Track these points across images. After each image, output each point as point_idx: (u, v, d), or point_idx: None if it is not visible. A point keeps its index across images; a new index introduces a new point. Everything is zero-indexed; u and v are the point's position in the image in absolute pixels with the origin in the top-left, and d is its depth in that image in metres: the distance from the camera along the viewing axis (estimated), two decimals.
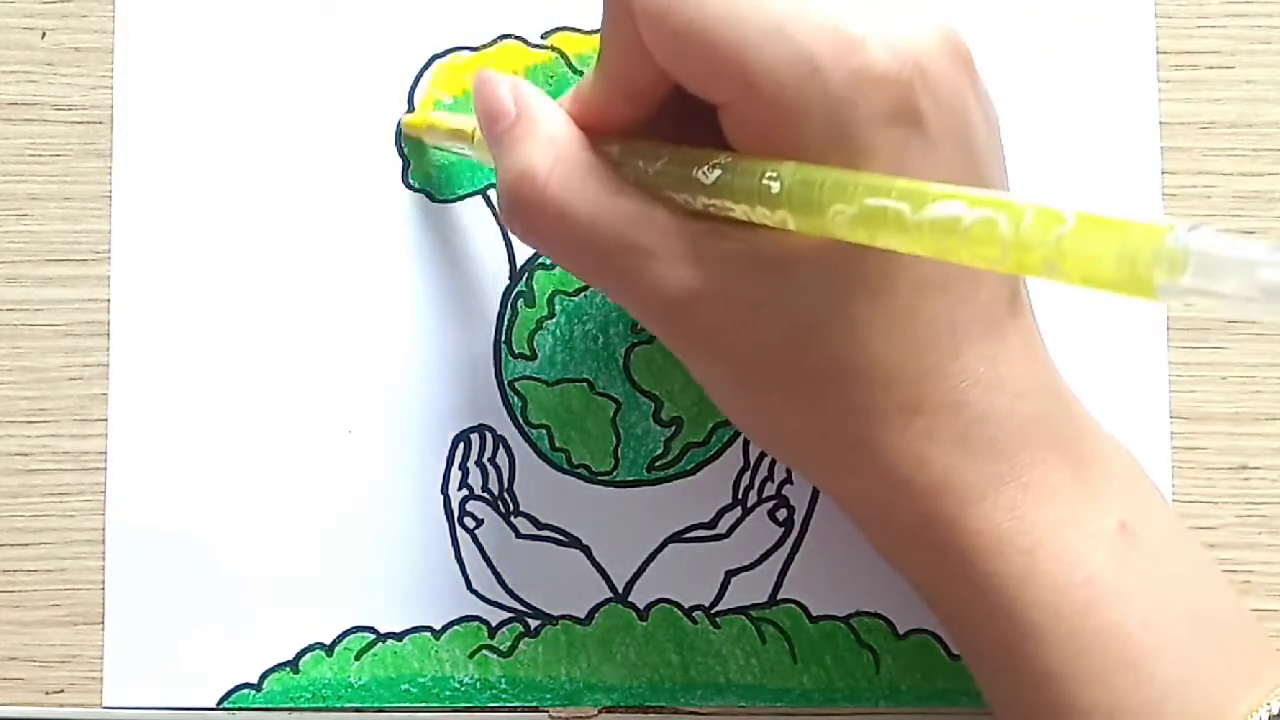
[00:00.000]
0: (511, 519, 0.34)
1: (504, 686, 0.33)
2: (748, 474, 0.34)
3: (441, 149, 0.34)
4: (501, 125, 0.28)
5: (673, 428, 0.34)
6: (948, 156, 0.25)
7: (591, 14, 0.34)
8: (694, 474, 0.34)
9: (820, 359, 0.26)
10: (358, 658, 0.33)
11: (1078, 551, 0.26)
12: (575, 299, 0.34)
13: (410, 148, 0.34)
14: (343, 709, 0.33)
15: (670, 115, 0.27)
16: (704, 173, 0.25)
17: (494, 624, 0.33)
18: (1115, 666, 0.26)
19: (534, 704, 0.33)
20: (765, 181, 0.24)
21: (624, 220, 0.26)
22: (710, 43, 0.24)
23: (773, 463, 0.34)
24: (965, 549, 0.26)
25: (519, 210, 0.27)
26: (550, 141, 0.27)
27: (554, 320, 0.34)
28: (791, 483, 0.33)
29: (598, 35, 0.34)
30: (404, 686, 0.33)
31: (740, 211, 0.25)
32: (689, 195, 0.26)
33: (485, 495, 0.34)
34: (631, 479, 0.34)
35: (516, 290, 0.34)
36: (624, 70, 0.27)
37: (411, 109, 0.34)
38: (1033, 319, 0.28)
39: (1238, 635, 0.27)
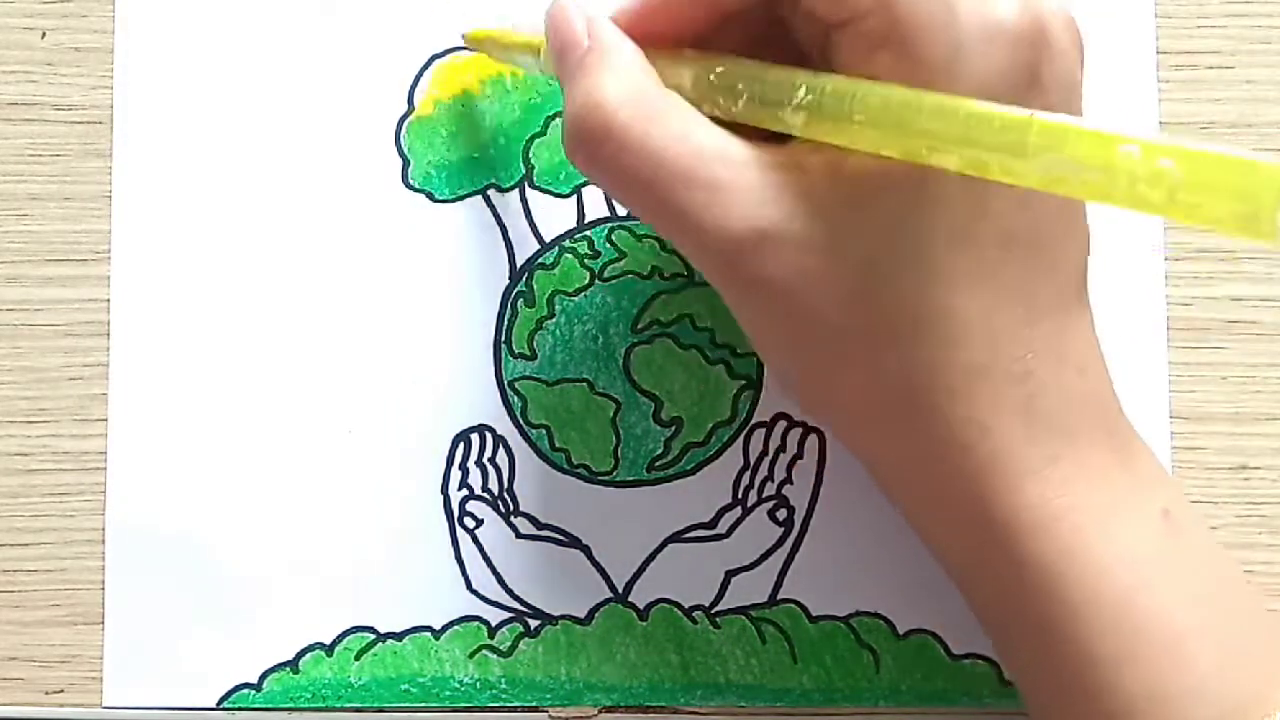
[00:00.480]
0: (511, 519, 0.34)
1: (504, 686, 0.33)
2: (748, 474, 0.34)
3: (505, 61, 0.33)
4: (574, 55, 0.27)
5: (673, 428, 0.34)
6: None
7: None
8: (694, 474, 0.34)
9: (891, 307, 0.25)
10: (358, 658, 0.33)
11: (1124, 535, 0.26)
12: (575, 299, 0.34)
13: (412, 144, 0.34)
14: (343, 709, 0.33)
15: (735, 30, 0.27)
16: (790, 113, 0.25)
17: (494, 624, 0.33)
18: (1158, 651, 0.26)
19: (534, 704, 0.33)
20: (856, 117, 0.23)
21: (694, 152, 0.26)
22: None
23: (773, 463, 0.34)
24: (1013, 524, 0.26)
25: (584, 138, 0.26)
26: (623, 72, 0.26)
27: (554, 320, 0.34)
28: (791, 482, 0.33)
29: None
30: (404, 686, 0.33)
31: (837, 142, 0.24)
32: (776, 128, 0.25)
33: (485, 495, 0.34)
34: (631, 479, 0.34)
35: (516, 290, 0.34)
36: None
37: (411, 109, 0.34)
38: (1091, 309, 0.28)
39: (1268, 626, 0.28)
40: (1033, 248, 0.26)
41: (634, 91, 0.26)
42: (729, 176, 0.25)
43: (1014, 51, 0.24)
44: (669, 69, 0.27)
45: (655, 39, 0.27)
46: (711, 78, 0.26)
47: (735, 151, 0.26)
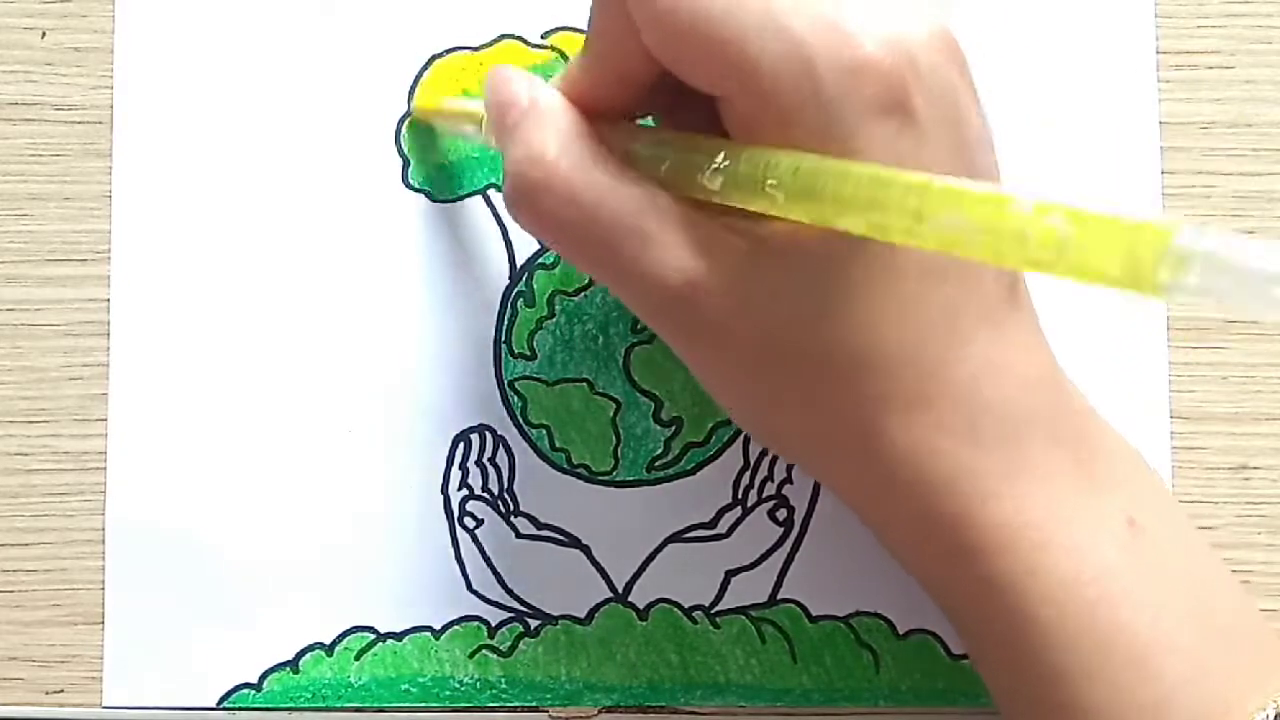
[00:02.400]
0: (511, 519, 0.34)
1: (504, 686, 0.33)
2: (748, 474, 0.34)
3: (449, 133, 0.33)
4: (513, 115, 0.28)
5: (673, 428, 0.34)
6: (940, 148, 0.25)
7: None
8: (694, 474, 0.34)
9: (826, 349, 0.26)
10: (358, 658, 0.33)
11: (1086, 548, 0.26)
12: (575, 299, 0.34)
13: (411, 140, 0.34)
14: (343, 709, 0.33)
15: (661, 96, 0.27)
16: (708, 178, 0.25)
17: (494, 624, 0.33)
18: (1123, 664, 0.26)
19: (534, 704, 0.33)
20: (768, 185, 0.24)
21: (630, 205, 0.26)
22: (705, 34, 0.25)
23: (773, 462, 0.34)
24: (975, 545, 0.26)
25: (525, 193, 0.27)
26: (559, 129, 0.27)
27: (554, 320, 0.34)
28: (791, 482, 0.33)
29: None
30: (404, 686, 0.33)
31: (754, 208, 0.25)
32: (703, 197, 0.26)
33: (485, 495, 0.34)
34: (631, 479, 0.34)
35: (516, 290, 0.34)
36: (614, 53, 0.27)
37: (412, 109, 0.34)
38: (1033, 311, 0.28)
39: (1245, 632, 0.27)
40: (949, 275, 0.26)
41: (572, 146, 0.27)
42: (658, 228, 0.26)
43: (881, 83, 0.24)
44: (606, 138, 0.28)
45: (589, 112, 0.28)
46: (637, 147, 0.27)
47: (663, 204, 0.26)
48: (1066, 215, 0.19)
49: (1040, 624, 0.26)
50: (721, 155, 0.25)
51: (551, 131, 0.27)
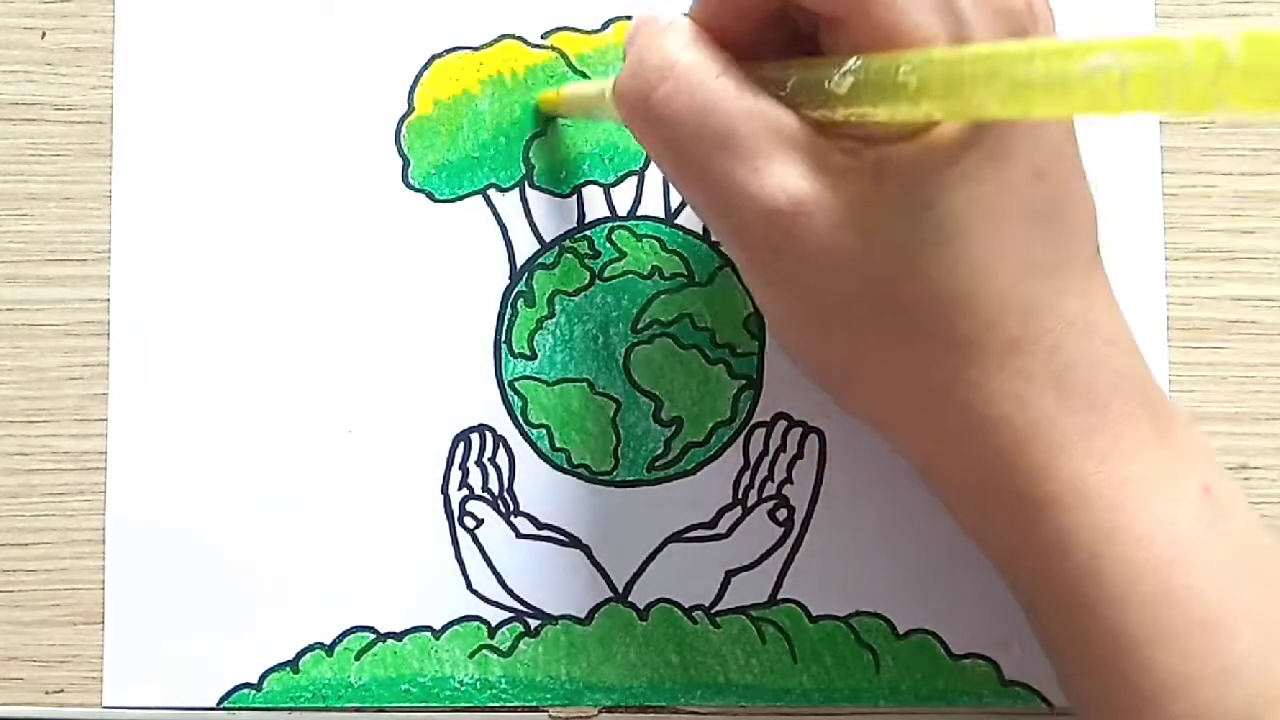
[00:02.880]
0: (511, 519, 0.34)
1: (504, 686, 0.33)
2: (748, 474, 0.34)
3: (578, 118, 0.33)
4: (643, 27, 0.27)
5: (673, 427, 0.34)
6: None
7: (592, 14, 0.34)
8: (694, 474, 0.34)
9: (925, 286, 0.25)
10: (358, 658, 0.33)
11: (1162, 510, 0.26)
12: (575, 299, 0.34)
13: (412, 144, 0.34)
14: (343, 709, 0.33)
15: (772, 38, 0.27)
16: (836, 82, 0.24)
17: (494, 624, 0.33)
18: (1194, 630, 0.25)
19: (534, 704, 0.33)
20: (901, 71, 0.23)
21: (746, 113, 0.25)
22: None
23: (773, 462, 0.34)
24: (1050, 499, 0.26)
25: (638, 80, 0.26)
26: (679, 38, 0.26)
27: (554, 320, 0.34)
28: (791, 482, 0.33)
29: (598, 35, 0.34)
30: (404, 686, 0.33)
31: (881, 113, 0.24)
32: (826, 110, 0.25)
33: (485, 495, 0.34)
34: (631, 479, 0.34)
35: (516, 290, 0.34)
36: None
37: (411, 109, 0.34)
38: (1105, 273, 0.28)
39: None
40: (1053, 219, 0.26)
41: (697, 45, 0.26)
42: (774, 143, 0.25)
43: (1010, 18, 0.24)
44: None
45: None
46: (763, 69, 0.26)
47: (784, 120, 0.25)
48: (1224, 46, 0.18)
49: (1112, 584, 0.26)
50: (855, 60, 0.24)
51: (676, 32, 0.26)
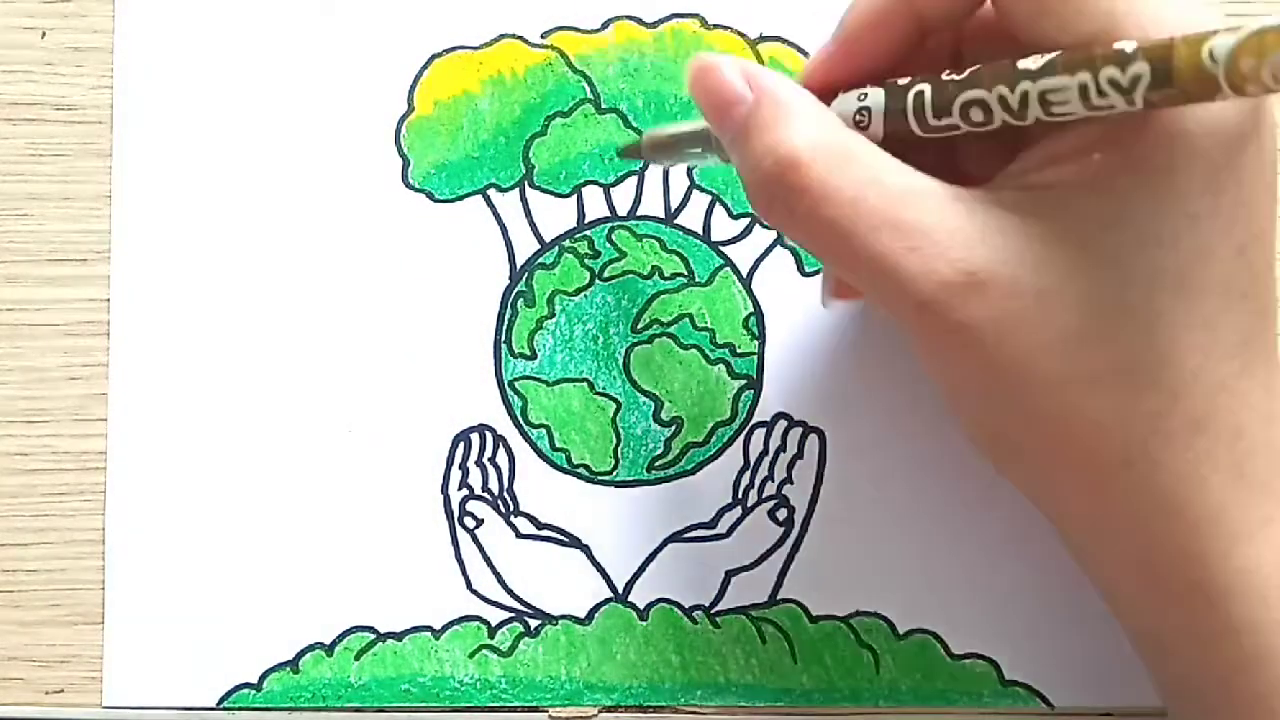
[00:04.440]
0: (511, 519, 0.34)
1: (504, 686, 0.33)
2: (748, 474, 0.34)
3: (681, 162, 0.31)
4: (739, 110, 0.26)
5: (673, 428, 0.34)
6: (1270, 163, 0.25)
7: (592, 14, 0.34)
8: (694, 474, 0.34)
9: (1111, 357, 0.24)
10: (358, 658, 0.33)
11: None
12: (575, 299, 0.34)
13: (412, 144, 0.34)
14: (343, 709, 0.33)
15: (901, 68, 0.26)
16: (1031, 60, 0.23)
17: (494, 624, 0.33)
18: None
19: (534, 704, 0.33)
20: (1098, 99, 0.22)
21: (894, 197, 0.24)
22: None
23: (773, 462, 0.34)
24: (1224, 589, 0.25)
25: (779, 198, 0.25)
26: (804, 121, 0.25)
27: (554, 320, 0.34)
28: (791, 482, 0.33)
29: (598, 34, 0.34)
30: (404, 686, 0.33)
31: (1075, 88, 0.22)
32: (1006, 88, 0.23)
33: (485, 495, 0.34)
34: (631, 479, 0.34)
35: (516, 290, 0.34)
36: (881, 17, 0.26)
37: (411, 109, 0.34)
38: None
39: None
40: (1248, 297, 0.24)
41: (823, 139, 0.25)
42: (932, 219, 0.24)
43: None
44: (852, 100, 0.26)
45: (850, 79, 0.26)
46: (945, 75, 0.25)
47: (934, 191, 0.24)
48: None
49: None
50: (1126, 43, 0.23)
51: (794, 129, 0.25)
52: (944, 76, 0.25)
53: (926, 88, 0.25)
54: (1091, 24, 0.23)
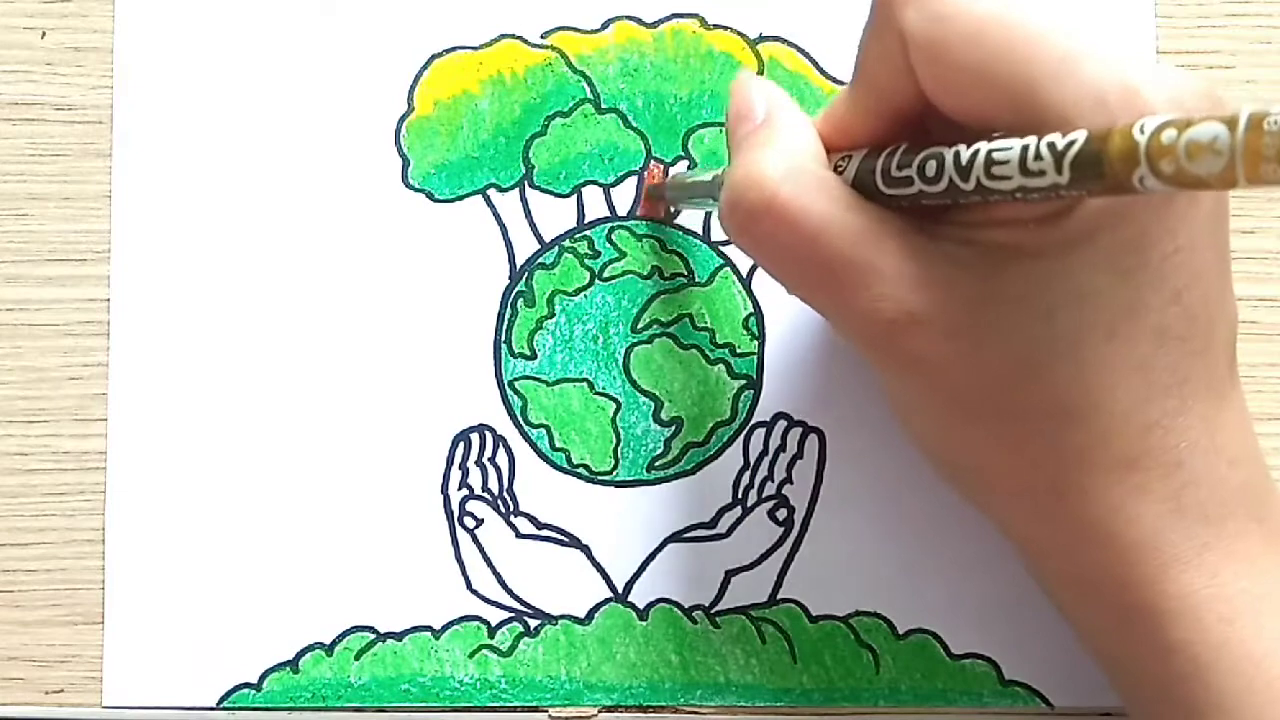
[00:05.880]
0: (511, 519, 0.34)
1: (504, 686, 0.33)
2: (748, 474, 0.34)
3: (692, 205, 0.33)
4: (745, 127, 0.27)
5: (673, 428, 0.34)
6: (1212, 206, 0.25)
7: (592, 14, 0.34)
8: (694, 474, 0.34)
9: (1041, 398, 0.25)
10: (358, 657, 0.33)
11: (1274, 626, 0.26)
12: (575, 299, 0.34)
13: (412, 144, 0.34)
14: (343, 709, 0.33)
15: (915, 133, 0.27)
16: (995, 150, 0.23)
17: (494, 624, 0.33)
18: None
19: (534, 704, 0.33)
20: (1034, 164, 0.22)
21: (849, 235, 0.25)
22: (995, 81, 0.24)
23: (773, 462, 0.34)
24: (1161, 612, 0.26)
25: (743, 213, 0.26)
26: (788, 151, 0.26)
27: (554, 320, 0.34)
28: (791, 482, 0.33)
29: (598, 34, 0.34)
30: (404, 686, 0.33)
31: (1017, 151, 0.23)
32: (964, 146, 0.24)
33: (485, 495, 0.34)
34: (631, 479, 0.34)
35: (516, 290, 0.34)
36: (883, 91, 0.26)
37: (411, 109, 0.34)
38: (1240, 383, 0.28)
39: None
40: (1185, 340, 0.25)
41: (795, 169, 0.26)
42: (880, 260, 0.25)
43: None
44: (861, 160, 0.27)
45: (847, 144, 0.27)
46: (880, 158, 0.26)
47: (891, 233, 0.25)
48: None
49: (1221, 698, 0.26)
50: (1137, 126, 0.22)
51: (778, 152, 0.26)
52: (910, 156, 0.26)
53: (904, 145, 0.26)
54: (1002, 95, 0.24)
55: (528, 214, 0.34)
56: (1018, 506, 0.28)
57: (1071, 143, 0.22)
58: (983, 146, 0.24)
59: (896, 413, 0.28)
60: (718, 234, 0.34)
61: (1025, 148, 0.23)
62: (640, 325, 0.34)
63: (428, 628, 0.33)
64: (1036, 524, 0.27)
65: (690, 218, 0.34)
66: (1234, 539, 0.26)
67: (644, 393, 0.34)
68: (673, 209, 0.34)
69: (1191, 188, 0.20)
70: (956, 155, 0.24)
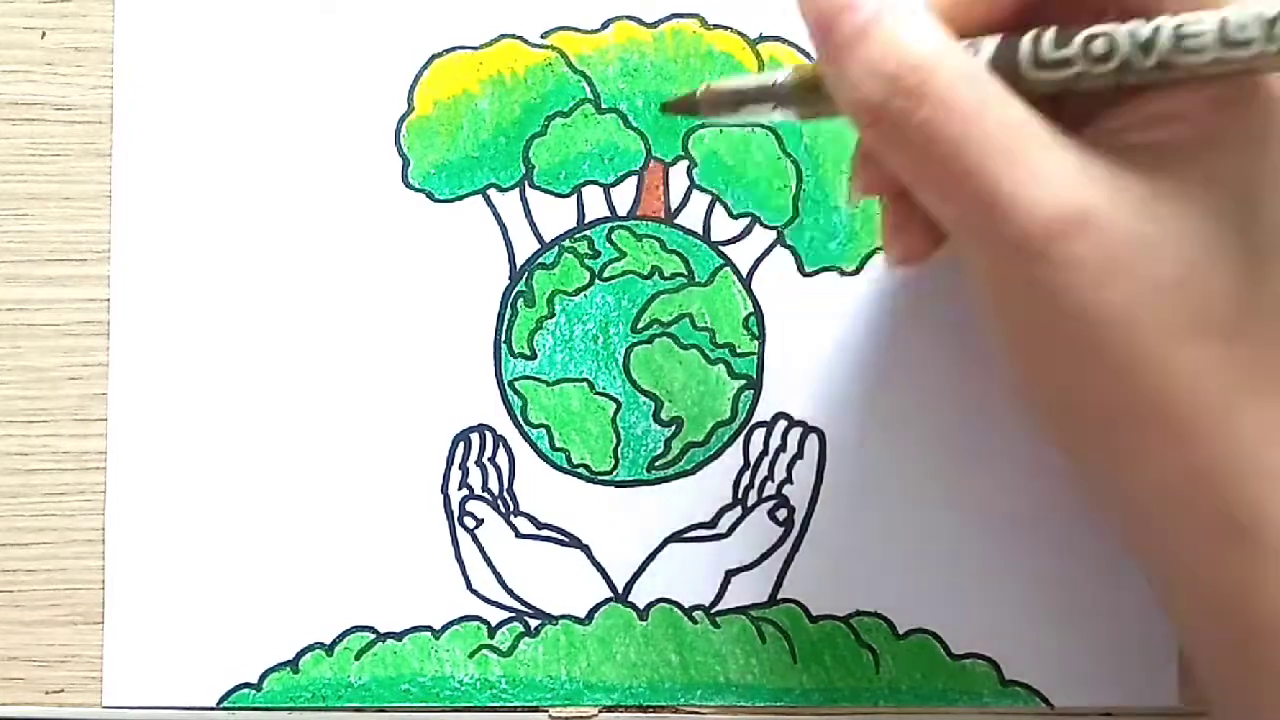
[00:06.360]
0: (511, 519, 0.34)
1: (504, 686, 0.33)
2: (748, 474, 0.34)
3: (739, 121, 0.31)
4: (854, 16, 0.24)
5: (673, 427, 0.34)
6: None
7: (592, 14, 0.34)
8: (694, 474, 0.34)
9: (1207, 307, 0.23)
10: (358, 657, 0.33)
11: None
12: (575, 299, 0.34)
13: (412, 144, 0.34)
14: (343, 709, 0.33)
15: (1029, 20, 0.25)
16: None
17: (494, 624, 0.33)
18: None
19: (534, 704, 0.33)
20: (1237, 32, 0.21)
21: (1010, 124, 0.23)
22: None
23: (773, 462, 0.34)
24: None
25: (895, 107, 0.23)
26: (931, 30, 0.24)
27: (554, 320, 0.34)
28: (791, 482, 0.33)
29: (598, 34, 0.34)
30: (404, 686, 0.33)
31: (1214, 23, 0.22)
32: (1142, 21, 0.23)
33: (485, 495, 0.34)
34: (631, 479, 0.34)
35: (516, 290, 0.34)
36: None
37: (411, 109, 0.34)
38: None
39: None
40: None
41: (950, 51, 0.24)
42: (1046, 153, 0.23)
43: None
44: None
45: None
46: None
47: (1048, 128, 0.24)
48: None
49: None
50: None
51: (923, 32, 0.24)
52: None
53: (1055, 28, 0.24)
54: None
55: (528, 214, 0.34)
56: (1162, 437, 0.24)
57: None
58: (1166, 21, 0.22)
59: (1011, 345, 0.26)
60: (718, 234, 0.34)
61: (1225, 19, 0.22)
62: (640, 325, 0.34)
63: (428, 628, 0.33)
64: (1182, 455, 0.24)
65: (691, 217, 0.34)
66: None
67: (644, 393, 0.34)
68: (711, 120, 0.31)
69: None
70: (1133, 33, 0.23)
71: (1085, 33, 0.24)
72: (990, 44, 0.25)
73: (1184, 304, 0.23)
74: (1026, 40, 0.24)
